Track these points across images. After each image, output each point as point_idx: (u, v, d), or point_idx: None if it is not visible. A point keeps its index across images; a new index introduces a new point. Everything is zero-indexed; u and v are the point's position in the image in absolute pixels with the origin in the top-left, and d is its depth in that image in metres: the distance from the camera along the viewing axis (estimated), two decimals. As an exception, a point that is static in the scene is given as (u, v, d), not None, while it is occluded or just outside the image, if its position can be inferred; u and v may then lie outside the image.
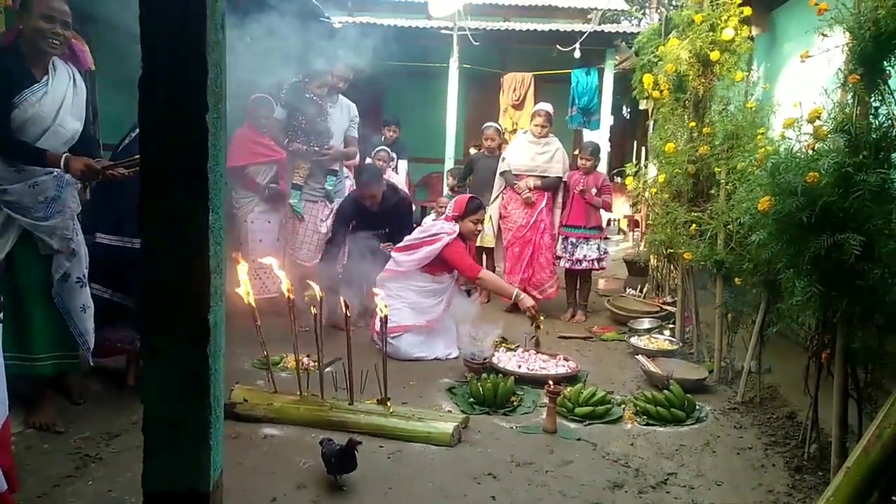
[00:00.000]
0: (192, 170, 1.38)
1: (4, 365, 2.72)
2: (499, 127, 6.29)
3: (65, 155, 2.77)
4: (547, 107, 5.64)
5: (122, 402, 3.27)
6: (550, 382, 3.34)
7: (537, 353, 4.21)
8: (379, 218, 4.76)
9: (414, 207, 6.22)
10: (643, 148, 7.23)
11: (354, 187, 5.72)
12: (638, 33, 7.12)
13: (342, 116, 4.99)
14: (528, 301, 4.19)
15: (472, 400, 3.55)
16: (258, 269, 4.82)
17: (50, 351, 2.93)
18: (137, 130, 2.40)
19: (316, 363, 3.35)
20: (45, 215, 2.82)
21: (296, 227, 4.95)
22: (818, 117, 2.56)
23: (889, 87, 2.45)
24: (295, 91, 4.77)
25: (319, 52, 4.74)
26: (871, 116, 2.48)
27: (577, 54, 8.22)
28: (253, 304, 3.14)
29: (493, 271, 6.11)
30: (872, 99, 2.48)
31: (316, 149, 4.77)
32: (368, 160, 5.99)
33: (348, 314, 3.22)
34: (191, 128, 1.37)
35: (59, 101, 2.83)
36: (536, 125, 5.52)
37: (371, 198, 4.66)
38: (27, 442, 2.83)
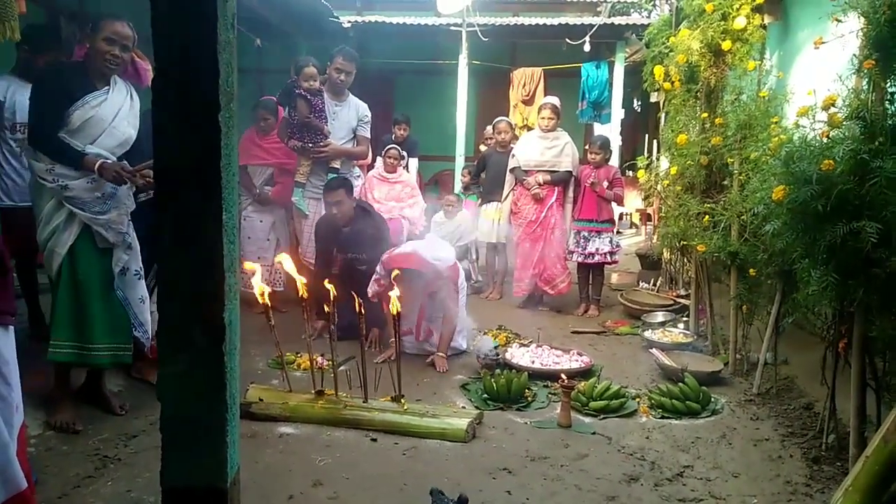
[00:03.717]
0: (206, 169, 1.39)
1: (63, 352, 2.94)
2: (510, 121, 6.27)
3: (99, 160, 2.93)
4: (553, 100, 5.61)
5: (139, 403, 3.30)
6: (564, 377, 3.33)
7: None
8: (351, 240, 4.51)
9: (424, 205, 6.18)
10: (655, 140, 7.18)
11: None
12: (648, 25, 7.08)
13: (349, 115, 4.95)
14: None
15: (485, 396, 3.55)
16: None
17: (108, 341, 3.04)
18: None
19: (330, 362, 3.37)
20: (102, 210, 3.01)
21: (301, 226, 4.95)
22: (833, 104, 2.53)
23: (905, 71, 2.41)
24: (287, 88, 4.78)
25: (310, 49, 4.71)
26: (887, 102, 2.45)
27: (587, 48, 8.16)
28: (268, 303, 3.16)
29: (505, 266, 6.09)
30: (888, 84, 2.45)
31: (310, 146, 4.75)
32: (379, 160, 6.00)
33: (363, 311, 3.23)
34: (203, 127, 1.37)
35: (117, 108, 3.07)
36: (543, 118, 5.50)
37: (337, 204, 4.42)
38: (47, 444, 2.87)
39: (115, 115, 3.04)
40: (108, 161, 2.95)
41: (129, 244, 3.12)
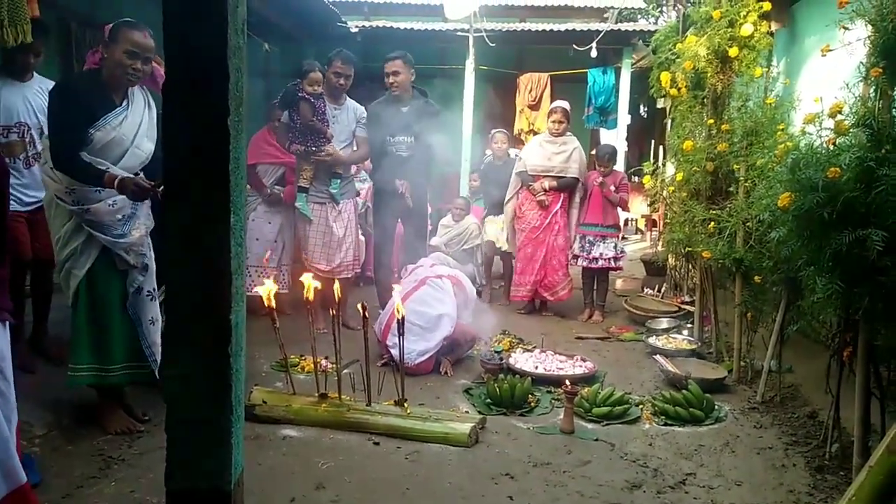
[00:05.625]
0: (214, 173, 1.40)
1: (82, 376, 2.94)
2: (505, 132, 6.31)
3: (119, 176, 2.83)
4: (563, 104, 5.58)
5: (143, 404, 3.30)
6: (567, 383, 3.33)
7: None
8: (405, 120, 4.79)
9: (430, 210, 6.18)
10: (661, 146, 7.19)
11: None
12: (655, 31, 7.07)
13: (348, 118, 4.93)
14: None
15: (489, 401, 3.55)
16: (253, 268, 4.96)
17: (124, 361, 3.01)
18: None
19: (334, 365, 3.38)
20: (123, 232, 2.95)
21: (305, 231, 4.93)
22: (839, 112, 2.53)
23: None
24: (289, 92, 4.78)
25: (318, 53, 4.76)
26: (894, 110, 2.45)
27: (594, 53, 8.17)
28: (273, 306, 3.17)
29: (511, 275, 6.07)
30: (895, 92, 2.44)
31: (313, 149, 4.74)
32: None
33: (366, 315, 3.24)
34: (213, 131, 1.39)
35: (137, 124, 2.98)
36: (553, 121, 5.47)
37: (394, 74, 4.74)
38: (52, 444, 2.88)
39: (135, 132, 2.96)
40: (128, 177, 2.85)
41: (145, 265, 3.06)
